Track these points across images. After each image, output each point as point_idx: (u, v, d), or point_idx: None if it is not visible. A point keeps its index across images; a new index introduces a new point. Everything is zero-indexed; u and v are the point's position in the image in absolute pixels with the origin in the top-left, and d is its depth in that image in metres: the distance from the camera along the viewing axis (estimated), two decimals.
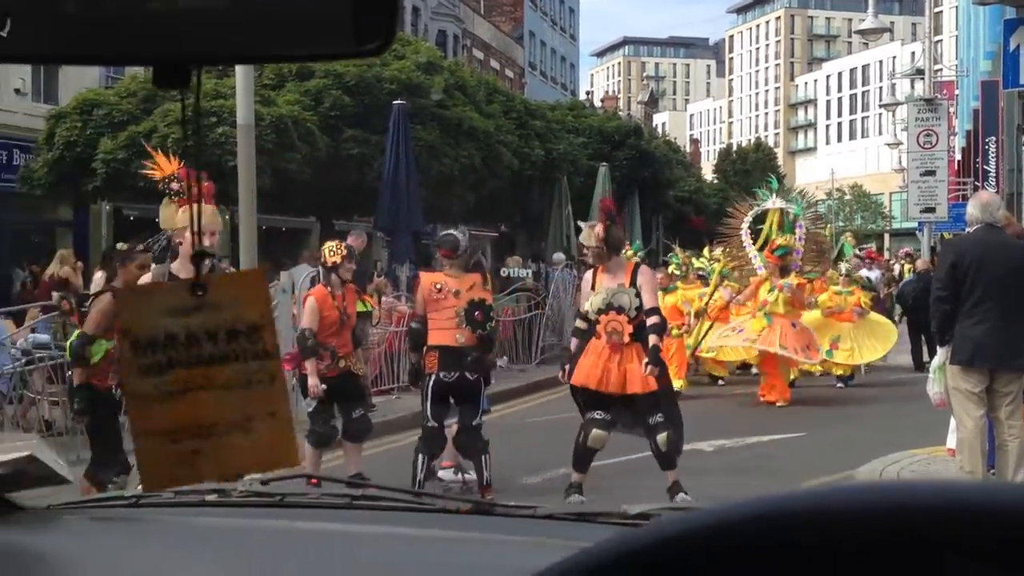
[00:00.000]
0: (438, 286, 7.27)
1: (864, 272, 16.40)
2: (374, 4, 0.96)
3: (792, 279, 12.84)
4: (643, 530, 0.75)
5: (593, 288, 7.22)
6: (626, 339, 6.98)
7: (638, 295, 7.02)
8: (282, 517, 1.69)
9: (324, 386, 7.32)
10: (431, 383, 7.25)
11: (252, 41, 0.98)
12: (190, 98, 1.08)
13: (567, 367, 7.50)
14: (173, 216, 5.42)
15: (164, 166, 5.72)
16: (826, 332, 13.80)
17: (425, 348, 7.36)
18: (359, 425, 7.57)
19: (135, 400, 1.13)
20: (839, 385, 14.39)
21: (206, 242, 5.14)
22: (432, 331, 7.28)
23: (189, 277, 1.12)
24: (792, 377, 13.87)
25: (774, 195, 14.50)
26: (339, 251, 7.69)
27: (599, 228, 7.24)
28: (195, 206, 1.16)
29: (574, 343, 7.51)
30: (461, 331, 7.16)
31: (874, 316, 14.74)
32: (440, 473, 7.91)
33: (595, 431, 7.05)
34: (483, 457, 7.25)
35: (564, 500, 6.98)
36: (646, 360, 6.88)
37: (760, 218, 14.19)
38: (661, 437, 6.95)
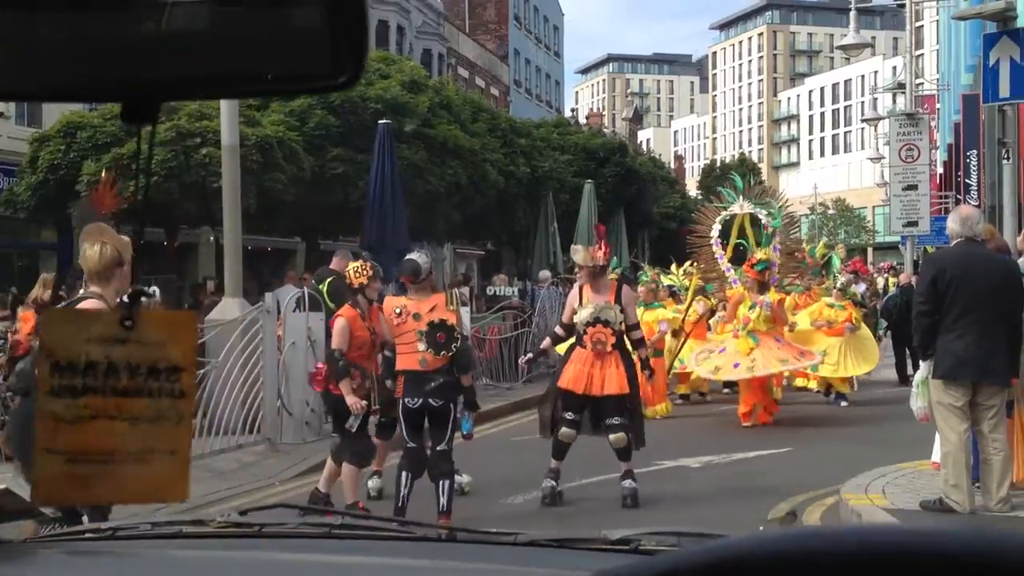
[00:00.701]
0: (398, 310, 7.21)
1: (853, 287, 15.87)
2: (344, 37, 0.96)
3: (771, 295, 12.31)
4: (641, 564, 0.75)
5: (581, 303, 8.16)
6: (609, 348, 8.02)
7: (622, 311, 8.09)
8: (260, 548, 1.68)
9: (364, 402, 7.35)
10: (400, 409, 7.25)
11: (222, 76, 0.98)
12: (160, 123, 1.09)
13: (530, 355, 9.30)
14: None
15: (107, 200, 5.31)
16: (813, 346, 13.36)
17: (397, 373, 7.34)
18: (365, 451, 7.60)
19: (43, 418, 1.16)
20: (843, 404, 13.82)
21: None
22: (398, 356, 7.23)
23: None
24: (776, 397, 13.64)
25: (740, 197, 13.68)
26: (364, 272, 7.57)
27: (599, 251, 8.21)
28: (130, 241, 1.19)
29: (547, 342, 8.75)
30: (424, 355, 7.06)
31: (863, 333, 14.35)
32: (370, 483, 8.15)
33: (564, 429, 8.12)
34: (443, 483, 7.03)
35: (541, 485, 8.02)
36: (643, 369, 8.31)
37: (727, 227, 13.54)
38: (614, 436, 7.97)
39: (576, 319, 8.14)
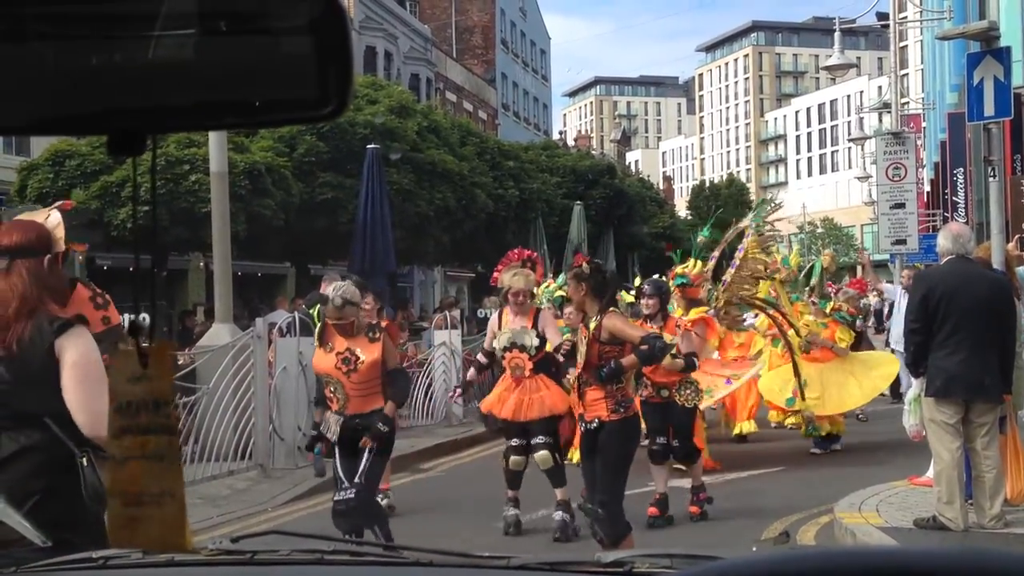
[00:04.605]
0: None
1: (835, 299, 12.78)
2: (330, 69, 0.97)
3: (692, 313, 9.63)
4: None
5: (500, 327, 7.97)
6: (527, 373, 7.82)
7: (539, 336, 7.80)
8: (253, 575, 1.67)
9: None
10: None
11: (208, 108, 0.99)
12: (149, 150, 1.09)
13: (459, 388, 9.73)
14: None
15: None
16: (790, 377, 10.98)
17: None
18: None
19: (109, 461, 1.15)
20: (836, 447, 11.63)
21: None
22: None
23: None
24: (745, 431, 12.14)
25: (751, 214, 11.14)
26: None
27: (531, 276, 8.06)
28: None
29: (471, 372, 8.82)
30: None
31: (862, 356, 12.04)
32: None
33: (513, 457, 7.90)
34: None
35: (501, 514, 7.83)
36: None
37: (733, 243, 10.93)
38: (539, 455, 7.74)
39: (495, 345, 7.98)
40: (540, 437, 7.74)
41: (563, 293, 9.12)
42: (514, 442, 7.89)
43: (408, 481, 10.54)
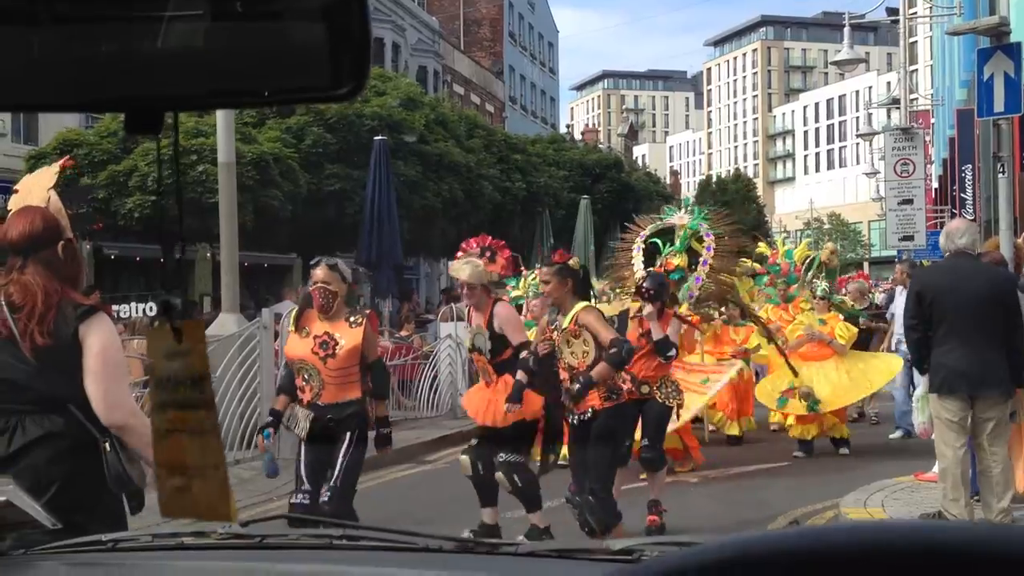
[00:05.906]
0: None
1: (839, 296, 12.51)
2: (347, 48, 0.97)
3: (682, 310, 9.09)
4: (641, 567, 0.76)
5: (470, 323, 7.14)
6: (493, 377, 6.87)
7: (492, 337, 6.80)
8: (262, 559, 1.68)
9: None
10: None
11: (225, 86, 0.99)
12: (165, 137, 1.09)
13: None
14: None
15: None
16: (783, 377, 10.78)
17: None
18: None
19: (154, 433, 1.22)
20: (844, 451, 10.94)
21: None
22: None
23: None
24: (738, 432, 11.67)
25: (683, 211, 10.52)
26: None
27: (494, 266, 7.02)
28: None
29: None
30: None
31: (864, 360, 11.31)
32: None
33: (461, 456, 7.10)
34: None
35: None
36: (510, 401, 6.65)
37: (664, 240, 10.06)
38: (497, 476, 6.81)
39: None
40: (502, 455, 6.75)
41: None
42: (472, 442, 7.07)
43: (414, 473, 10.56)
